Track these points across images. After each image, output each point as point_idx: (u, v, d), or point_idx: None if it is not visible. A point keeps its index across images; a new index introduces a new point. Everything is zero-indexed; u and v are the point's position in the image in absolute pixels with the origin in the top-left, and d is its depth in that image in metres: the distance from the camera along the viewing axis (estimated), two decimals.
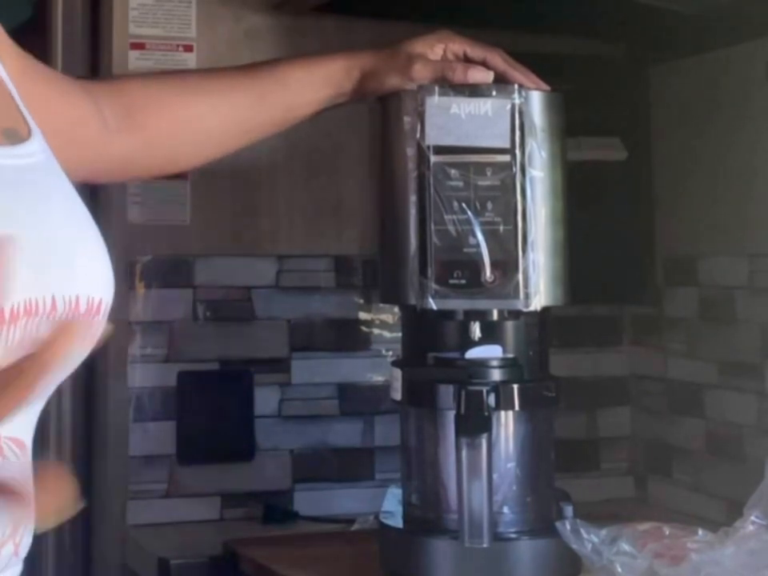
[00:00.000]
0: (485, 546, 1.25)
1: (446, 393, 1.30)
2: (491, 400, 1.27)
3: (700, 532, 1.21)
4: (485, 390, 1.27)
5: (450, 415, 1.29)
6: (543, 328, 1.37)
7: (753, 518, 1.19)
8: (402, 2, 1.72)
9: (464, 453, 1.25)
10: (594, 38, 1.88)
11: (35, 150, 0.93)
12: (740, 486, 1.32)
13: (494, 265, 1.28)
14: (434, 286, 1.29)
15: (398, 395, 1.36)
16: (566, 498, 1.38)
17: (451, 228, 1.29)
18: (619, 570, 1.16)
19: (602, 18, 1.71)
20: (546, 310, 1.34)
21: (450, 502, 1.32)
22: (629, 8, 1.57)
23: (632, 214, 1.88)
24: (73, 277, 0.88)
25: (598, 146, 1.84)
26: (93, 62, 1.78)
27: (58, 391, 1.75)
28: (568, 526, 1.20)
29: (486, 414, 1.27)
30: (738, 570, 1.13)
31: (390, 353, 1.80)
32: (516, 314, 1.32)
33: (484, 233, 1.29)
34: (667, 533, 1.23)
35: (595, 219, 1.80)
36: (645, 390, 1.93)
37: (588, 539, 1.19)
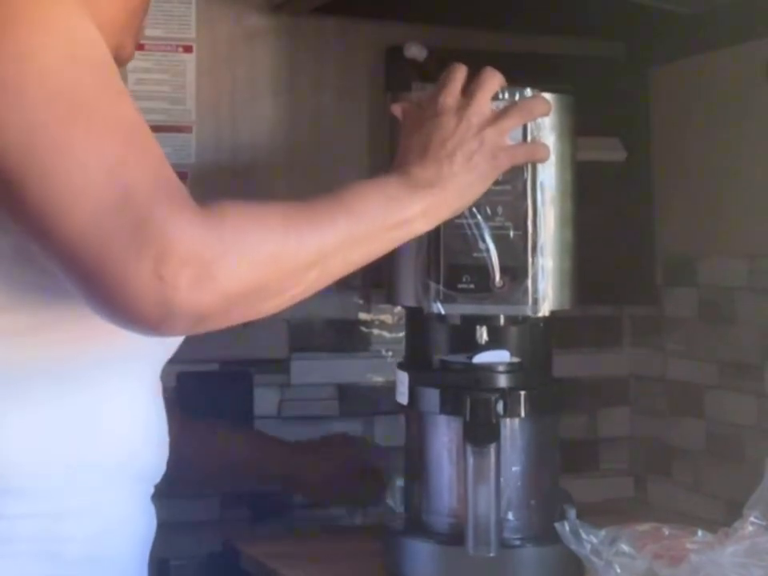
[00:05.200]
0: (491, 554, 1.25)
1: (454, 399, 1.29)
2: (500, 407, 1.27)
3: (699, 532, 1.21)
4: (493, 397, 1.27)
5: (457, 421, 1.29)
6: (547, 332, 1.37)
7: (752, 518, 1.19)
8: (402, 2, 1.72)
9: (471, 461, 1.24)
10: (594, 37, 1.88)
11: None
12: (740, 486, 1.32)
13: (503, 270, 1.28)
14: (442, 289, 1.29)
15: (404, 399, 1.35)
16: (568, 499, 1.38)
17: (461, 232, 1.28)
18: (618, 570, 1.16)
19: (602, 18, 1.71)
20: (550, 314, 1.34)
21: (455, 507, 1.31)
22: (629, 8, 1.57)
23: (632, 214, 1.88)
24: None
25: (597, 146, 1.84)
26: None
27: None
28: (567, 527, 1.20)
29: (494, 421, 1.26)
30: (737, 570, 1.13)
31: (390, 353, 1.80)
32: (523, 319, 1.32)
33: (494, 237, 1.28)
34: (667, 533, 1.23)
35: (595, 219, 1.80)
36: (645, 390, 1.93)
37: (587, 540, 1.19)
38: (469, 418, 1.26)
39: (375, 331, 1.83)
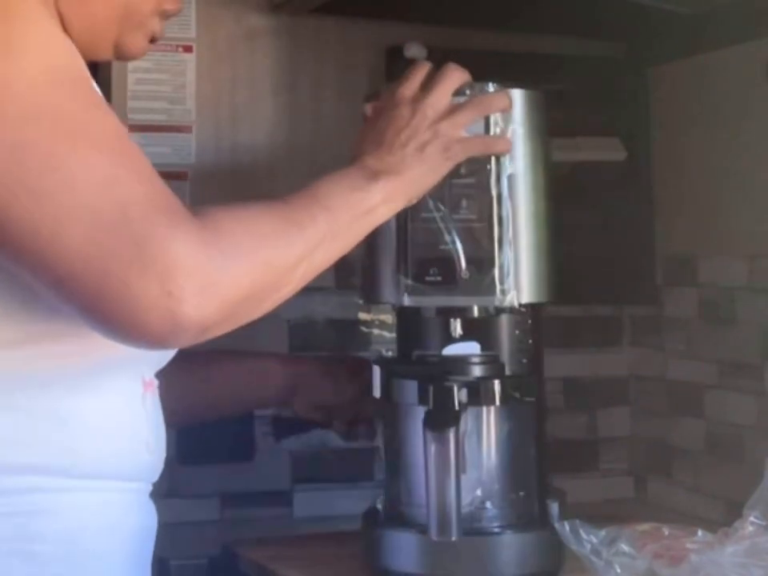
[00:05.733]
0: (453, 539, 1.25)
1: (419, 389, 1.31)
2: (462, 395, 1.28)
3: (699, 532, 1.21)
4: (455, 385, 1.28)
5: (423, 411, 1.30)
6: (534, 326, 1.37)
7: (752, 518, 1.19)
8: (402, 2, 1.72)
9: (432, 447, 1.25)
10: (594, 37, 1.88)
11: None
12: (739, 486, 1.32)
13: (468, 261, 1.29)
14: (410, 283, 1.30)
15: (377, 392, 1.37)
16: (562, 497, 1.38)
17: (427, 226, 1.30)
18: (618, 570, 1.16)
19: (602, 17, 1.71)
20: (534, 307, 1.35)
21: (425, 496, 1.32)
22: (629, 8, 1.57)
23: (632, 214, 1.88)
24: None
25: (598, 146, 1.84)
26: (92, 63, 1.78)
27: None
28: (567, 527, 1.20)
29: (456, 409, 1.28)
30: (737, 570, 1.13)
31: (390, 353, 1.79)
32: (497, 311, 1.33)
33: (458, 230, 1.29)
34: (667, 533, 1.23)
35: (595, 219, 1.80)
36: (645, 390, 1.93)
37: (587, 540, 1.19)
38: (432, 406, 1.28)
39: (375, 331, 1.83)
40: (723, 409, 1.75)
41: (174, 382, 1.25)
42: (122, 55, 1.21)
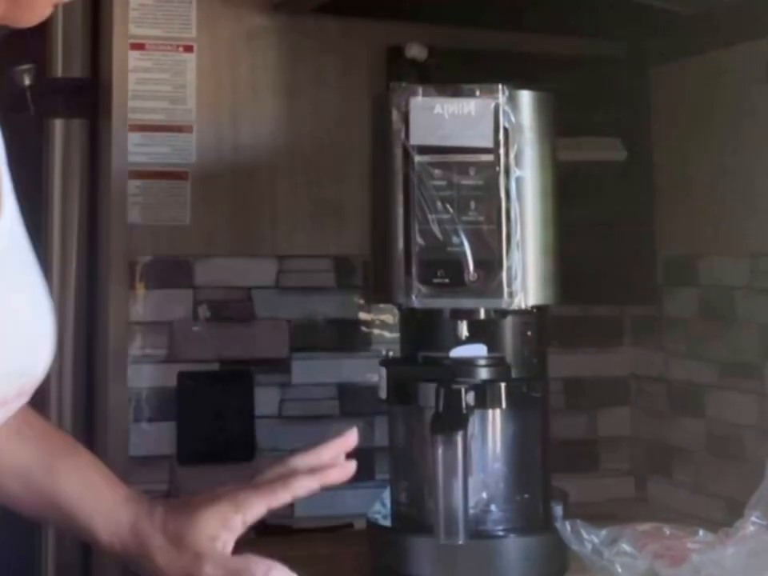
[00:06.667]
0: (460, 543, 1.25)
1: (426, 391, 1.31)
2: (470, 398, 1.28)
3: (700, 532, 1.22)
4: (463, 388, 1.28)
5: (431, 413, 1.30)
6: (539, 327, 1.37)
7: (753, 518, 1.19)
8: (403, 2, 1.72)
9: (439, 450, 1.25)
10: (594, 37, 1.88)
11: (3, 231, 0.94)
12: (740, 486, 1.32)
13: (476, 264, 1.29)
14: (417, 285, 1.30)
15: (383, 393, 1.37)
16: (565, 497, 1.38)
17: (435, 227, 1.30)
18: (619, 570, 1.16)
19: (603, 18, 1.71)
20: (540, 309, 1.34)
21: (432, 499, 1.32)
22: (629, 8, 1.57)
23: (632, 214, 1.88)
24: (34, 365, 0.96)
25: (598, 146, 1.84)
26: (93, 62, 1.78)
27: (59, 392, 1.75)
28: (568, 527, 1.20)
29: (464, 412, 1.28)
30: (738, 570, 1.13)
31: (391, 353, 1.79)
32: (504, 313, 1.33)
33: (467, 232, 1.29)
34: (667, 533, 1.23)
35: (595, 219, 1.80)
36: (645, 390, 1.93)
37: (588, 540, 1.19)
38: (440, 408, 1.28)
39: (376, 331, 1.82)
40: (723, 409, 1.75)
41: None
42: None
